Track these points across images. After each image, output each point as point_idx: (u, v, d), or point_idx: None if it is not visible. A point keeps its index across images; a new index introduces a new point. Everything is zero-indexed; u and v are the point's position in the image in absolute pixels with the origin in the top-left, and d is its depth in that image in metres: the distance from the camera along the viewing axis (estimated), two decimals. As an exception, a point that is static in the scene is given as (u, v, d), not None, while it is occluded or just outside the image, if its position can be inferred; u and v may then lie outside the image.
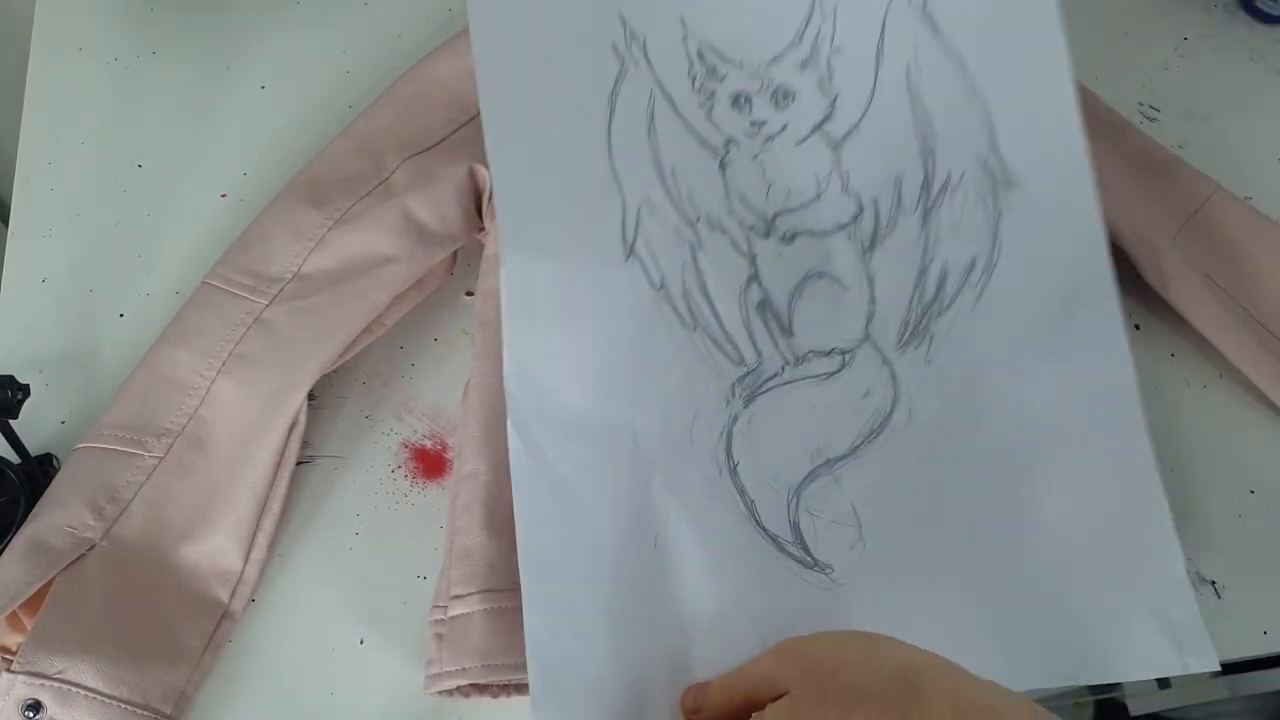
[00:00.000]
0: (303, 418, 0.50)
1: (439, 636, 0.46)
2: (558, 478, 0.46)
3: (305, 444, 0.52)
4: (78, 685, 0.44)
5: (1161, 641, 0.46)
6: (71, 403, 0.53)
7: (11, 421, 0.48)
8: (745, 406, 0.48)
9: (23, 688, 0.43)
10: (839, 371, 0.49)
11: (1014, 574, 0.47)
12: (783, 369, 0.49)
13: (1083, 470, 0.48)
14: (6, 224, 0.59)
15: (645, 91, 0.52)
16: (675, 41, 0.53)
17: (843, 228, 0.51)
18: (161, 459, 0.49)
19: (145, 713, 0.44)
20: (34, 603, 0.45)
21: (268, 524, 0.49)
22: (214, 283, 0.52)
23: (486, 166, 0.54)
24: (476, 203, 0.55)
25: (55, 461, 0.51)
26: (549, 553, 0.45)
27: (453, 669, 0.44)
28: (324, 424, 0.52)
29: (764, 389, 0.48)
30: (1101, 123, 0.58)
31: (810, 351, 0.49)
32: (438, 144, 0.56)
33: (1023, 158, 0.51)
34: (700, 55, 0.52)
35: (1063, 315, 0.50)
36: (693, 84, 0.52)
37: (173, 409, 0.50)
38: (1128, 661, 0.46)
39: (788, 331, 0.49)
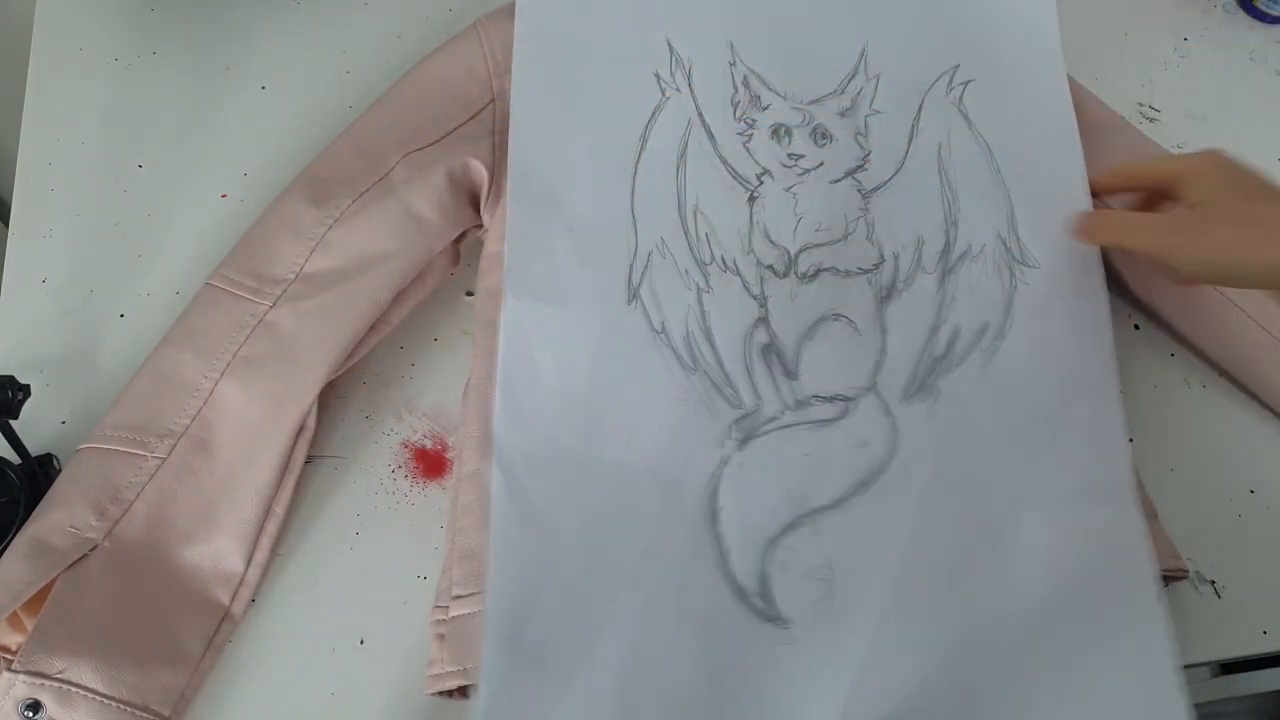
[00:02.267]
0: (311, 422, 0.50)
1: (440, 637, 0.46)
2: (538, 519, 0.46)
3: (306, 444, 0.52)
4: (78, 685, 0.44)
5: (1141, 712, 0.45)
6: (72, 403, 0.53)
7: (12, 422, 0.48)
8: (739, 449, 0.48)
9: (23, 687, 0.43)
10: (840, 419, 0.49)
11: (980, 643, 0.45)
12: (782, 412, 0.49)
13: (1070, 549, 0.47)
14: (6, 224, 0.59)
15: (683, 122, 0.53)
16: (722, 66, 0.54)
17: (864, 272, 0.51)
18: (165, 460, 0.49)
19: (144, 714, 0.44)
20: (35, 603, 0.45)
21: (271, 527, 0.49)
22: (217, 284, 0.52)
23: (483, 163, 0.54)
24: (474, 197, 0.55)
25: (56, 462, 0.51)
26: (522, 593, 0.44)
27: (454, 669, 0.44)
28: (324, 424, 0.52)
29: (760, 433, 0.48)
30: (1100, 123, 0.59)
31: (813, 396, 0.49)
32: (437, 141, 0.56)
33: (1038, 244, 0.53)
34: (746, 82, 0.53)
35: (1065, 396, 0.50)
36: (734, 110, 0.53)
37: (176, 410, 0.50)
38: None
39: (792, 375, 0.49)
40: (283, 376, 0.50)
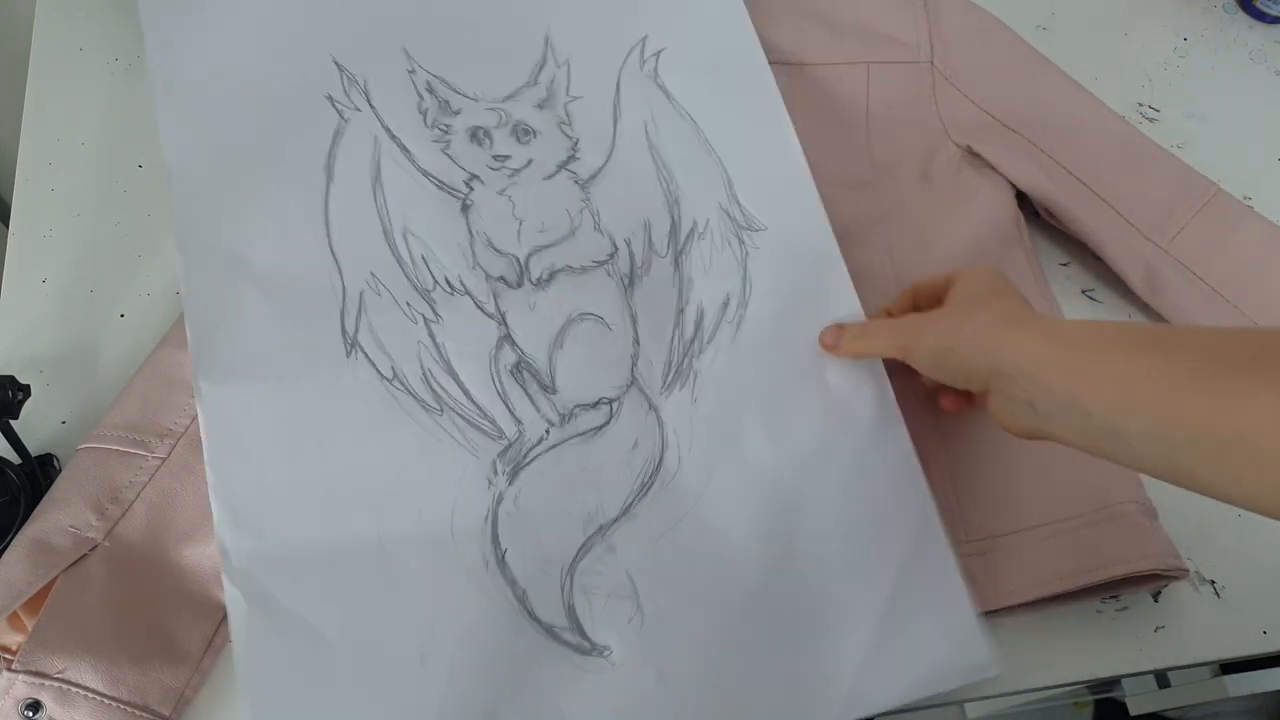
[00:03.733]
0: None
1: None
2: (292, 624, 0.42)
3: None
4: (77, 685, 0.44)
5: (947, 653, 0.45)
6: (72, 403, 0.53)
7: (12, 422, 0.48)
8: (510, 483, 0.45)
9: (23, 687, 0.43)
10: (607, 424, 0.47)
11: (794, 612, 0.45)
12: (548, 432, 0.46)
13: (853, 492, 0.47)
14: (7, 224, 0.59)
15: (369, 142, 0.49)
16: (400, 76, 0.50)
17: (600, 264, 0.49)
18: (165, 460, 0.49)
19: (144, 714, 0.44)
20: (35, 602, 0.45)
21: (269, 524, 0.49)
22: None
23: None
24: None
25: (56, 462, 0.51)
26: (290, 709, 0.41)
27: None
28: (324, 424, 0.52)
29: (529, 459, 0.45)
30: (1095, 120, 0.59)
31: (576, 406, 0.47)
32: None
33: (760, 207, 0.51)
34: (430, 89, 0.50)
35: (814, 344, 0.49)
36: (424, 119, 0.50)
37: (176, 410, 0.50)
38: (920, 678, 0.45)
39: (549, 389, 0.47)
40: (282, 376, 0.50)
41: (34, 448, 0.50)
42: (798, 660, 0.44)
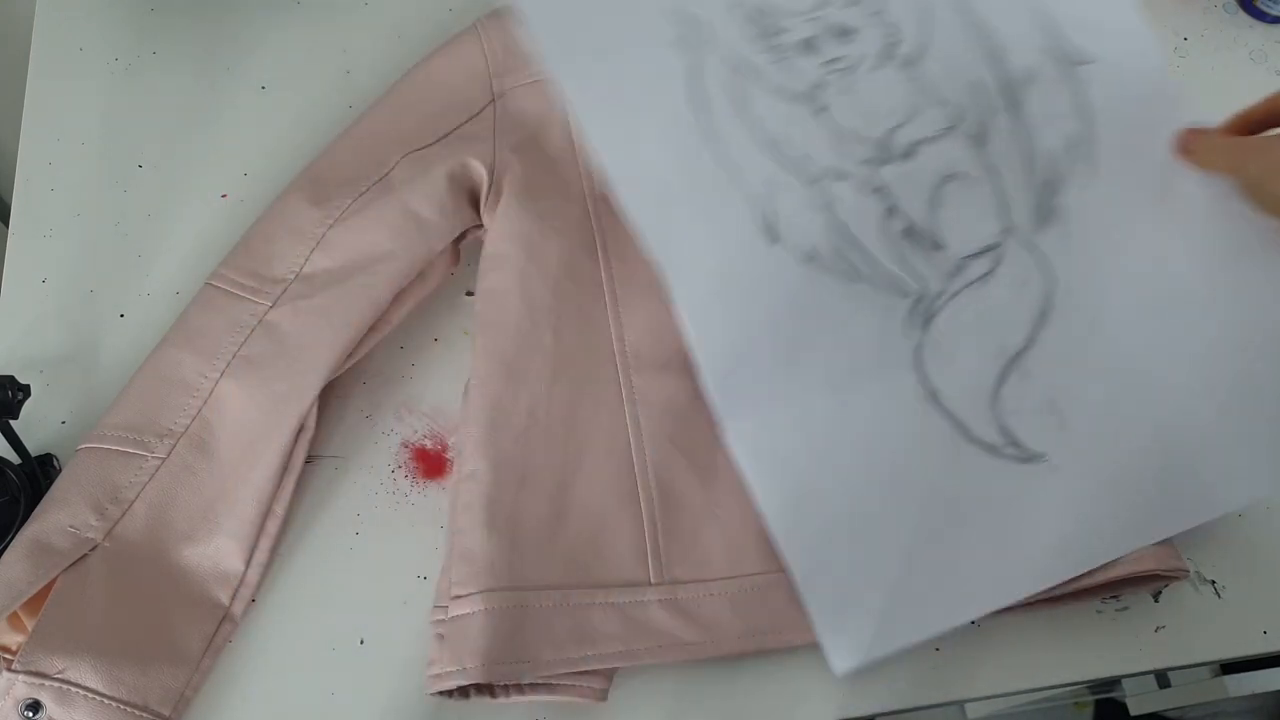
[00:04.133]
0: (311, 422, 0.50)
1: (440, 636, 0.46)
2: (785, 462, 0.48)
3: (306, 444, 0.52)
4: (77, 685, 0.44)
5: None
6: (72, 403, 0.53)
7: (12, 422, 0.48)
8: (925, 332, 0.50)
9: (23, 687, 0.43)
10: (996, 269, 0.51)
11: (1190, 408, 0.50)
12: (946, 284, 0.51)
13: (1227, 299, 0.51)
14: (7, 224, 0.59)
15: (724, 72, 0.53)
16: (727, 13, 0.55)
17: (950, 129, 0.53)
18: (164, 460, 0.49)
19: (144, 714, 0.44)
20: (35, 602, 0.45)
21: (271, 527, 0.49)
22: (217, 284, 0.52)
23: (483, 163, 0.54)
24: (474, 197, 0.55)
25: (56, 462, 0.51)
26: (804, 517, 0.47)
27: (453, 669, 0.44)
28: (325, 424, 0.52)
29: (936, 310, 0.50)
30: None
31: (964, 258, 0.51)
32: (437, 141, 0.56)
33: (1085, 35, 0.54)
34: (751, 18, 0.54)
35: (1170, 169, 0.52)
36: (759, 45, 0.54)
37: (176, 410, 0.50)
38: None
39: (938, 246, 0.51)
40: (283, 376, 0.50)
41: (34, 448, 0.50)
42: (1216, 448, 0.49)
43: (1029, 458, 0.48)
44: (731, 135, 0.52)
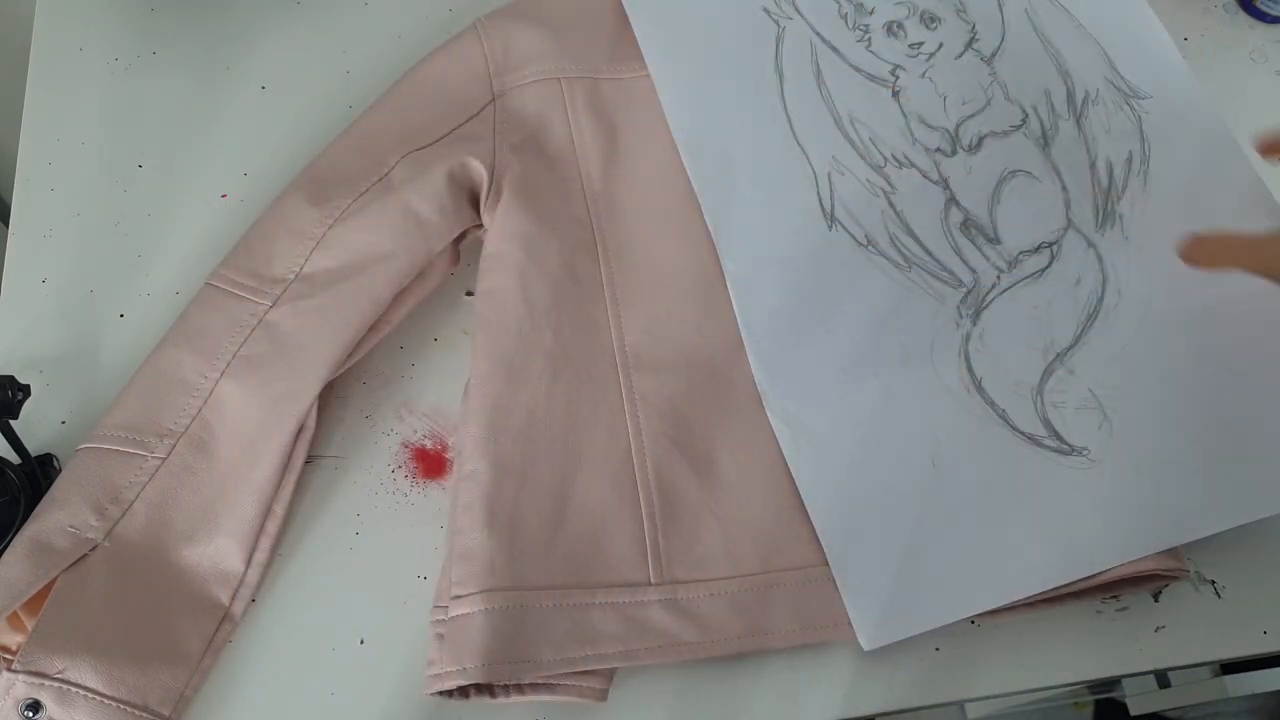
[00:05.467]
0: (311, 422, 0.50)
1: (440, 636, 0.46)
2: (826, 444, 0.49)
3: (306, 444, 0.52)
4: (77, 685, 0.44)
5: None
6: (72, 403, 0.53)
7: (12, 422, 0.48)
8: (974, 324, 0.52)
9: (23, 687, 0.43)
10: (1050, 265, 0.53)
11: (1228, 416, 0.51)
12: (999, 278, 0.53)
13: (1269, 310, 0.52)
14: (7, 224, 0.59)
15: (806, 45, 0.56)
16: None
17: (1017, 128, 0.55)
18: (164, 460, 0.49)
19: (144, 714, 0.44)
20: (35, 602, 0.45)
21: (271, 527, 0.49)
22: (217, 284, 0.52)
23: (483, 163, 0.54)
24: (474, 196, 0.55)
25: (56, 462, 0.51)
26: (837, 504, 0.48)
27: (453, 669, 0.44)
28: (325, 424, 0.52)
29: (987, 302, 0.52)
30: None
31: (1020, 253, 0.53)
32: (437, 141, 0.56)
33: (1140, 77, 0.58)
34: None
35: (1215, 182, 0.56)
36: (845, 23, 0.57)
37: (176, 410, 0.50)
38: None
39: (995, 240, 0.53)
40: (283, 376, 0.50)
41: (34, 448, 0.50)
42: (1254, 447, 0.50)
43: (1070, 450, 0.50)
44: (807, 108, 0.54)
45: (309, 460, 0.52)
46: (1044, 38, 0.58)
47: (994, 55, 0.57)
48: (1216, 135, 0.57)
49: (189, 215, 0.59)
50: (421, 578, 0.50)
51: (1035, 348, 0.51)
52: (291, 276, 0.52)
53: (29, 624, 0.45)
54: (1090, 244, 0.53)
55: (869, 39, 0.56)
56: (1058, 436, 0.50)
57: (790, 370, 0.51)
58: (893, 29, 0.56)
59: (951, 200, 0.53)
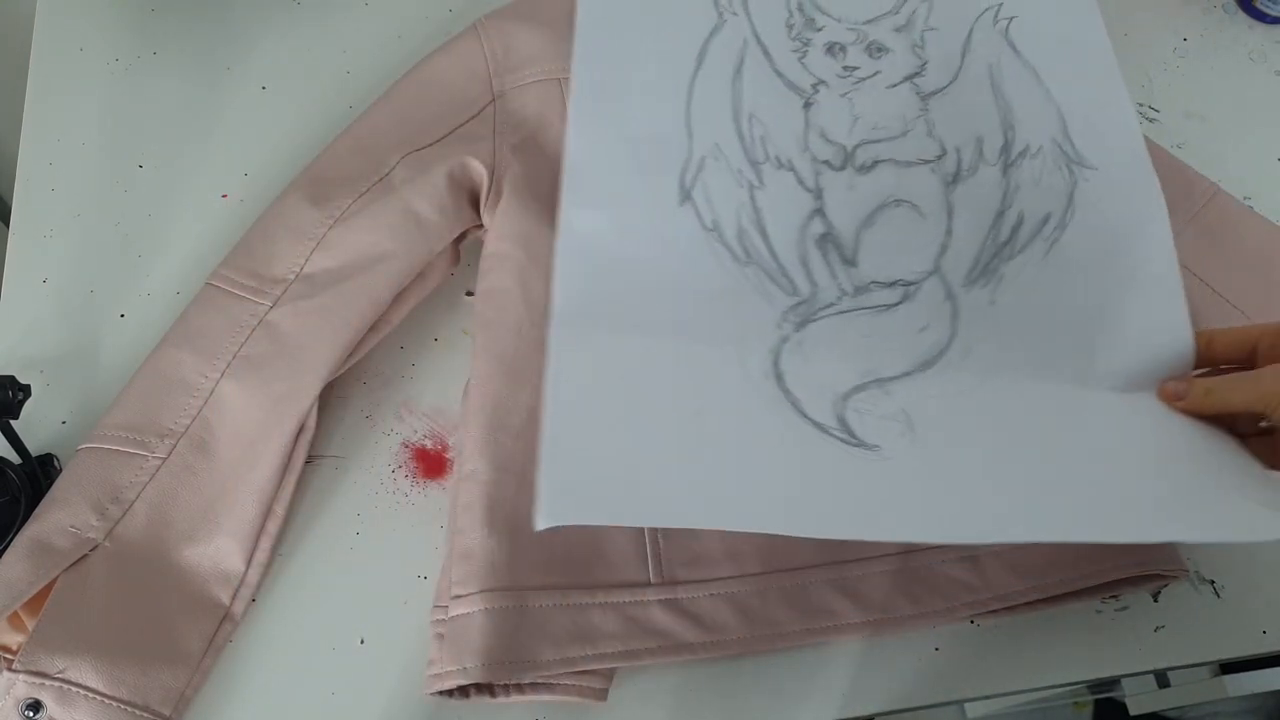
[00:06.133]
0: (311, 422, 0.50)
1: (440, 636, 0.46)
2: (601, 358, 0.46)
3: (306, 444, 0.52)
4: (78, 685, 0.44)
5: (1249, 508, 0.44)
6: (72, 403, 0.53)
7: (12, 422, 0.48)
8: (796, 330, 0.49)
9: (23, 687, 0.43)
10: (899, 304, 0.50)
11: (1067, 489, 0.44)
12: (840, 299, 0.50)
13: (1140, 418, 0.47)
14: (7, 224, 0.59)
15: (738, 41, 0.54)
16: None
17: (926, 163, 0.52)
18: (165, 460, 0.49)
19: (144, 714, 0.44)
20: (36, 602, 0.45)
21: (271, 527, 0.49)
22: (217, 284, 0.52)
23: (483, 163, 0.54)
24: (474, 197, 0.55)
25: (56, 462, 0.51)
26: (579, 406, 0.43)
27: (453, 669, 0.44)
28: (325, 424, 0.52)
29: (817, 316, 0.49)
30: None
31: (872, 282, 0.50)
32: (437, 141, 0.56)
33: (1092, 150, 0.54)
34: (800, 7, 0.56)
35: (1126, 280, 0.50)
36: (789, 32, 0.55)
37: (176, 410, 0.50)
38: (1225, 522, 0.44)
39: (850, 262, 0.50)
40: (283, 376, 0.50)
41: (34, 448, 0.50)
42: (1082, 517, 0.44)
43: (858, 444, 0.45)
44: (711, 94, 0.53)
45: (309, 460, 0.52)
46: (999, 92, 0.55)
47: (934, 93, 0.55)
48: (1153, 231, 0.51)
49: (189, 215, 0.59)
50: (421, 578, 0.50)
51: (854, 368, 0.48)
52: (292, 276, 0.52)
53: (30, 624, 0.45)
54: (950, 295, 0.50)
55: (806, 51, 0.55)
56: (849, 431, 0.45)
57: (589, 309, 0.47)
58: (834, 49, 0.55)
59: (818, 212, 0.51)
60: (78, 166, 0.60)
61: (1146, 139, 0.59)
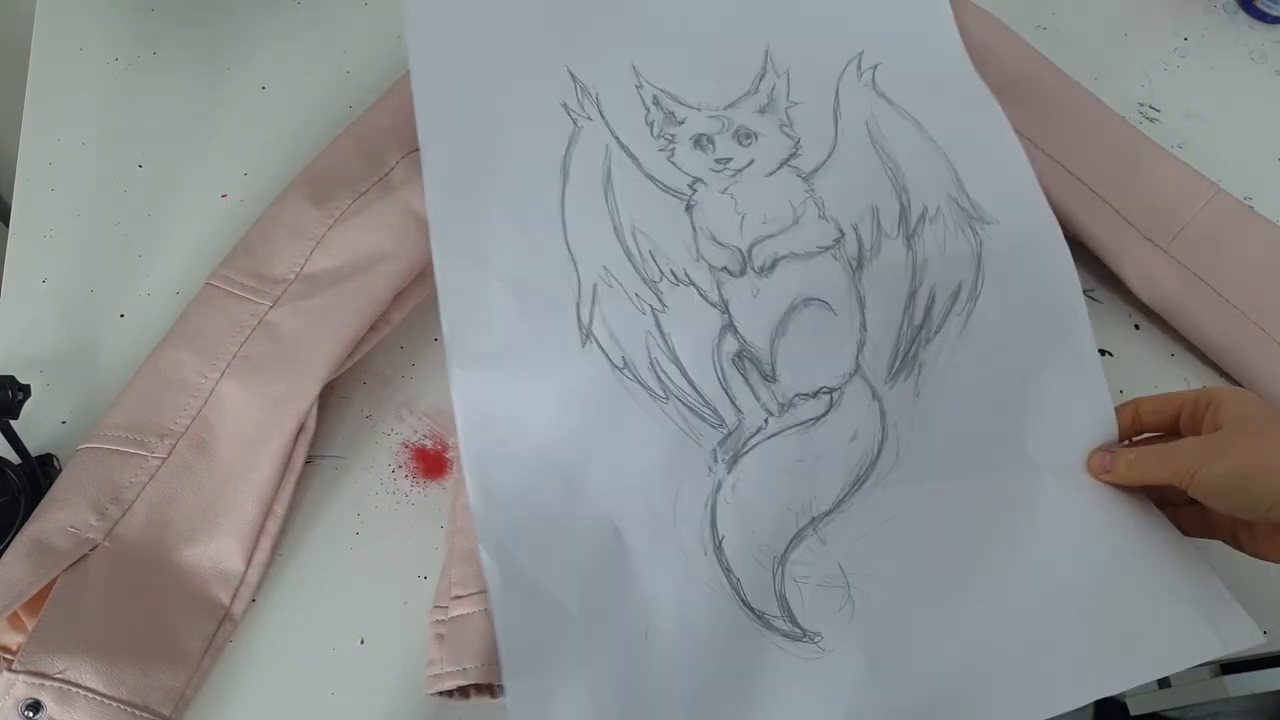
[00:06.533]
0: (311, 422, 0.50)
1: (440, 636, 0.46)
2: (541, 593, 0.44)
3: (306, 444, 0.52)
4: (78, 685, 0.44)
5: (1197, 627, 0.45)
6: (72, 403, 0.53)
7: (12, 422, 0.48)
8: (729, 471, 0.46)
9: (23, 687, 0.43)
10: (826, 414, 0.47)
11: (1013, 604, 0.45)
12: (766, 421, 0.47)
13: (1074, 498, 0.47)
14: (7, 224, 0.59)
15: (600, 149, 0.51)
16: (629, 90, 0.53)
17: (826, 249, 0.50)
18: (165, 460, 0.49)
19: (144, 714, 0.44)
20: (36, 602, 0.45)
21: (271, 527, 0.49)
22: (217, 284, 0.52)
23: None
24: None
25: (56, 462, 0.51)
26: (537, 660, 0.43)
27: (453, 669, 0.44)
28: (325, 424, 0.52)
29: (747, 448, 0.47)
30: (1095, 120, 0.59)
31: (796, 395, 0.47)
32: None
33: (989, 200, 0.52)
34: (656, 102, 0.52)
35: (1043, 347, 0.49)
36: (651, 130, 0.52)
37: (176, 410, 0.50)
38: (1165, 657, 0.44)
39: (770, 378, 0.47)
40: (283, 376, 0.50)
41: (34, 448, 0.50)
42: (1011, 656, 0.44)
43: (800, 635, 0.44)
44: (586, 213, 0.49)
45: (309, 460, 0.52)
46: (882, 151, 0.52)
47: (816, 170, 0.51)
48: (1059, 283, 0.50)
49: (189, 215, 0.59)
50: (421, 578, 0.50)
51: (790, 508, 0.46)
52: (292, 276, 0.52)
53: (29, 624, 0.45)
54: (875, 396, 0.48)
55: (673, 149, 0.51)
56: (790, 618, 0.45)
57: (512, 500, 0.45)
58: (701, 142, 0.51)
59: (728, 327, 0.47)
60: (77, 166, 0.60)
61: (1148, 138, 0.59)
